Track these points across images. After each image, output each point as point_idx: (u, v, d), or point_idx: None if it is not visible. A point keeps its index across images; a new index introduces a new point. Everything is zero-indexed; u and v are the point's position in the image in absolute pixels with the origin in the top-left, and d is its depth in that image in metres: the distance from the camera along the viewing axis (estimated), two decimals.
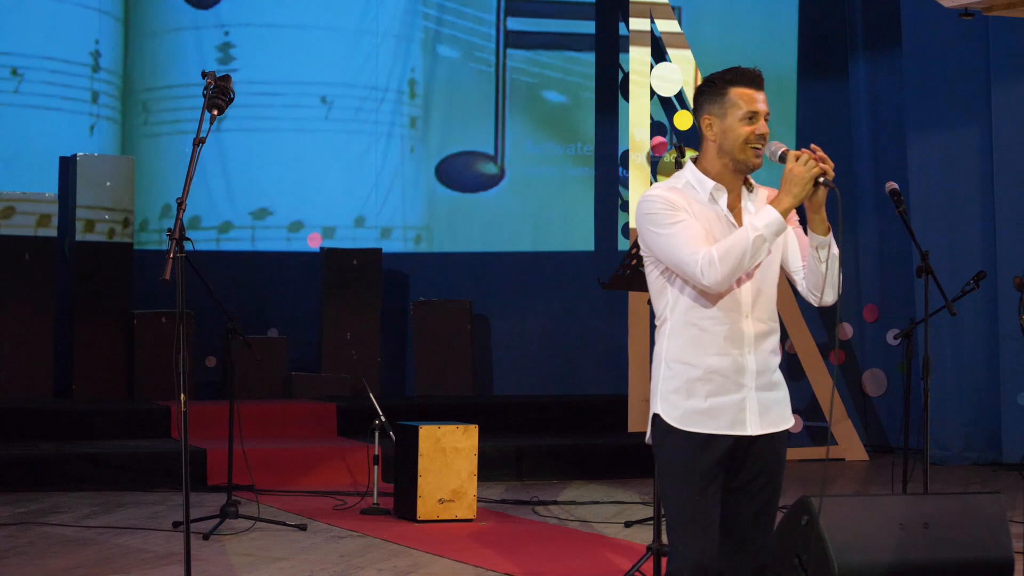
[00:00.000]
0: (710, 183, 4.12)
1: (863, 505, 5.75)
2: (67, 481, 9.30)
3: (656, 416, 4.13)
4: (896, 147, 11.91)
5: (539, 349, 12.67)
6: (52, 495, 9.04)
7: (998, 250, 11.14)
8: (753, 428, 4.08)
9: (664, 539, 5.71)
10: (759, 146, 4.07)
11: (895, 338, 8.13)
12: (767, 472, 4.13)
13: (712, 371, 4.05)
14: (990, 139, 11.27)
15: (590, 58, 12.88)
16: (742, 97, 4.07)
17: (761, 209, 4.04)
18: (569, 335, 12.66)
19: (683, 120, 12.06)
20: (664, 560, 6.01)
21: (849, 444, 11.44)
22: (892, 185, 7.29)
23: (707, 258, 3.96)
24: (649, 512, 7.70)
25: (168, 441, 10.10)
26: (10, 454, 9.37)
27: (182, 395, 4.79)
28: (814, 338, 11.48)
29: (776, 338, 4.18)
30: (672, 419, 4.08)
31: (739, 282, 4.06)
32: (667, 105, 12.31)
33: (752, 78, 4.09)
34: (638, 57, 11.76)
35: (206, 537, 7.54)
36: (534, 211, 12.83)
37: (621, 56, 12.59)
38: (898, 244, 11.83)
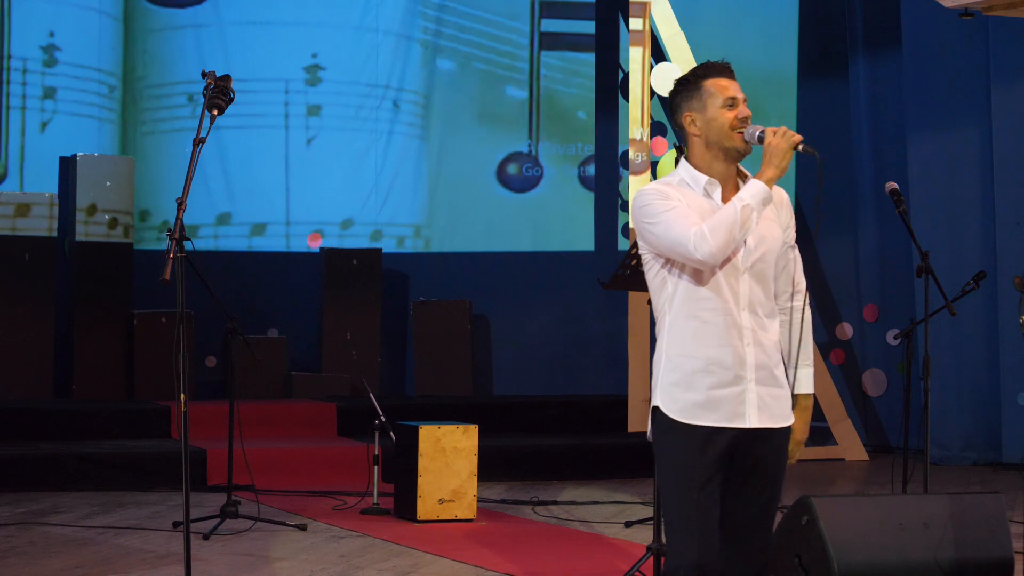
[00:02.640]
0: (703, 178, 4.15)
1: (863, 505, 5.75)
2: (67, 481, 9.29)
3: (656, 409, 4.13)
4: (896, 147, 11.90)
5: (539, 349, 12.67)
6: (52, 495, 9.04)
7: (998, 250, 11.13)
8: (752, 421, 4.08)
9: (664, 539, 5.72)
10: (744, 130, 4.11)
11: (895, 338, 8.12)
12: (767, 472, 4.12)
13: (713, 362, 4.06)
14: (990, 139, 11.26)
15: (590, 58, 12.87)
16: (717, 86, 4.15)
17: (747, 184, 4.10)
18: (569, 335, 12.66)
19: None
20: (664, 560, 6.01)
21: (849, 444, 11.44)
22: (892, 185, 7.29)
23: (699, 233, 4.00)
24: (649, 512, 7.69)
25: (168, 441, 10.09)
26: (10, 454, 9.37)
27: (182, 395, 4.79)
28: (814, 338, 11.47)
29: (777, 333, 4.20)
30: (671, 412, 4.08)
31: (736, 274, 4.08)
32: (667, 105, 12.30)
33: (722, 68, 4.18)
34: (638, 57, 11.75)
35: (206, 537, 7.54)
36: (534, 211, 12.82)
37: (621, 56, 12.58)
38: (898, 244, 11.82)
